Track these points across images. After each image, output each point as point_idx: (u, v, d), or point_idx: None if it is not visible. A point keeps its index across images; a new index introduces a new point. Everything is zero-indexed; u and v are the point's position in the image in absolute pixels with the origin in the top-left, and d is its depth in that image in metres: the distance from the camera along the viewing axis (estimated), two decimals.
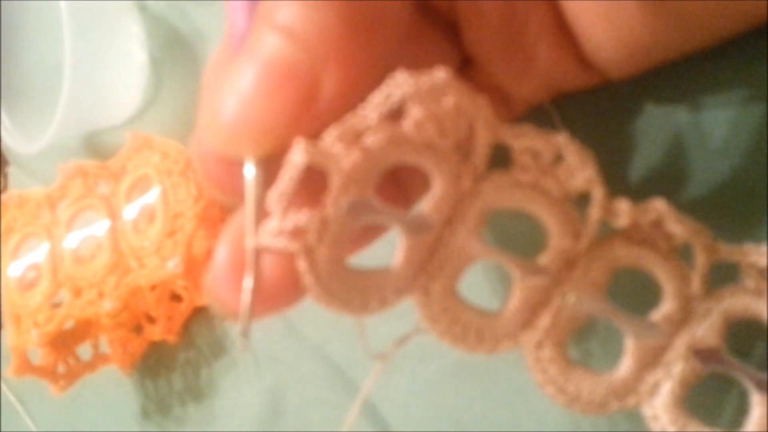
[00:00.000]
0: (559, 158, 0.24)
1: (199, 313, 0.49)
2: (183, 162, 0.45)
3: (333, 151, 0.22)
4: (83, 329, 0.49)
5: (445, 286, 0.25)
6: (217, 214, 0.46)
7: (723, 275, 0.25)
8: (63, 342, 0.49)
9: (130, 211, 0.47)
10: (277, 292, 0.24)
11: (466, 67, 0.29)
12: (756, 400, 0.25)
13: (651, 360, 0.25)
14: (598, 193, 0.24)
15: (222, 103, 0.23)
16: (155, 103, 0.51)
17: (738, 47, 0.27)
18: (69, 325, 0.48)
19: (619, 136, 0.31)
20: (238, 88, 0.22)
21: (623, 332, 0.25)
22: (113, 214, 0.47)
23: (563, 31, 0.27)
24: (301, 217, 0.23)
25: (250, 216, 0.23)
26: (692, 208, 0.27)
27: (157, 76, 0.51)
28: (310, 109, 0.22)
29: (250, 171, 0.23)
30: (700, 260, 0.25)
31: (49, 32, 0.51)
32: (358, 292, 0.24)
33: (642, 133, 0.30)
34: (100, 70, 0.48)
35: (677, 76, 0.29)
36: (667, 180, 0.30)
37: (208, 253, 0.45)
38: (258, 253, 0.24)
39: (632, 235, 0.25)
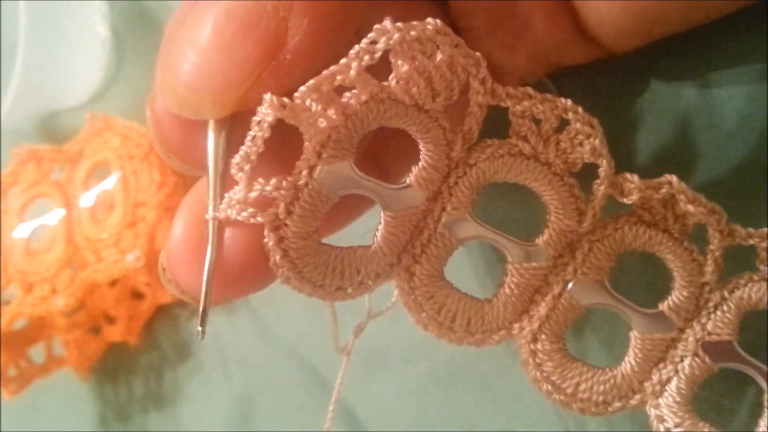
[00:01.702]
0: (561, 126, 0.23)
1: (163, 312, 0.48)
2: (146, 146, 0.44)
3: (308, 107, 0.21)
4: (36, 329, 0.49)
5: (430, 269, 0.23)
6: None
7: (737, 262, 0.24)
8: (13, 342, 0.48)
9: (86, 199, 0.45)
10: (242, 271, 0.23)
11: None
12: None
13: (658, 355, 0.24)
14: (605, 166, 0.23)
15: (178, 57, 0.21)
16: (117, 82, 0.50)
17: (748, 17, 0.26)
18: (20, 324, 0.47)
19: (622, 115, 0.30)
20: (195, 38, 0.21)
21: (628, 323, 0.24)
22: (68, 203, 0.46)
23: (561, 0, 0.26)
24: (269, 185, 0.21)
25: (212, 184, 0.22)
26: (702, 193, 0.26)
27: (120, 53, 0.50)
28: (277, 60, 0.21)
29: (210, 134, 0.22)
30: (715, 244, 0.23)
31: (0, 4, 0.49)
32: (332, 274, 0.23)
33: (647, 111, 0.29)
34: (58, 45, 0.46)
35: (683, 48, 0.28)
36: (674, 162, 0.29)
37: None
38: (220, 225, 0.22)
39: (641, 215, 0.24)
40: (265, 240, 0.22)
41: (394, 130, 0.23)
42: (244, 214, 0.21)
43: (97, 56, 0.48)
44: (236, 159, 0.21)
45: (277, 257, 0.22)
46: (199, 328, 0.22)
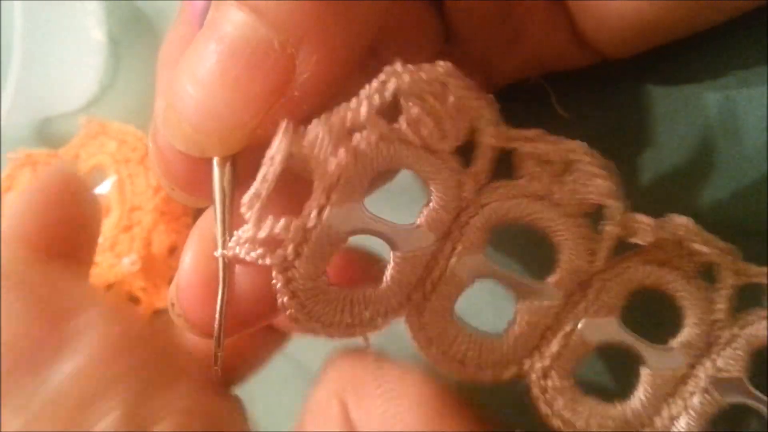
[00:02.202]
0: (571, 166, 0.23)
1: (159, 316, 0.47)
2: (142, 149, 0.44)
3: (321, 143, 0.20)
4: None
5: (440, 306, 0.23)
6: (179, 207, 0.44)
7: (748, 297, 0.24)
8: None
9: None
10: (253, 309, 0.22)
11: (450, 40, 0.27)
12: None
13: (668, 391, 0.24)
14: (615, 207, 0.23)
15: (181, 93, 0.20)
16: (113, 87, 0.50)
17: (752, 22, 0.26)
18: None
19: (633, 123, 0.29)
20: (199, 74, 0.20)
21: (639, 359, 0.24)
22: None
23: (557, 4, 0.26)
24: (278, 225, 0.21)
25: (219, 220, 0.21)
26: (710, 203, 0.27)
27: (116, 57, 0.50)
28: (284, 98, 0.20)
29: (215, 169, 0.21)
30: (727, 283, 0.23)
31: None
32: (341, 314, 0.22)
33: (663, 117, 0.29)
34: (53, 50, 0.46)
35: (702, 51, 0.28)
36: (691, 172, 0.28)
37: (169, 250, 0.44)
38: (229, 263, 0.22)
39: (653, 254, 0.24)
40: (273, 282, 0.21)
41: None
42: (252, 254, 0.21)
43: (93, 61, 0.48)
44: (246, 198, 0.20)
45: (285, 298, 0.21)
46: (215, 368, 0.22)
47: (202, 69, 0.20)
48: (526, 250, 0.28)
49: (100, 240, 0.43)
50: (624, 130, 0.29)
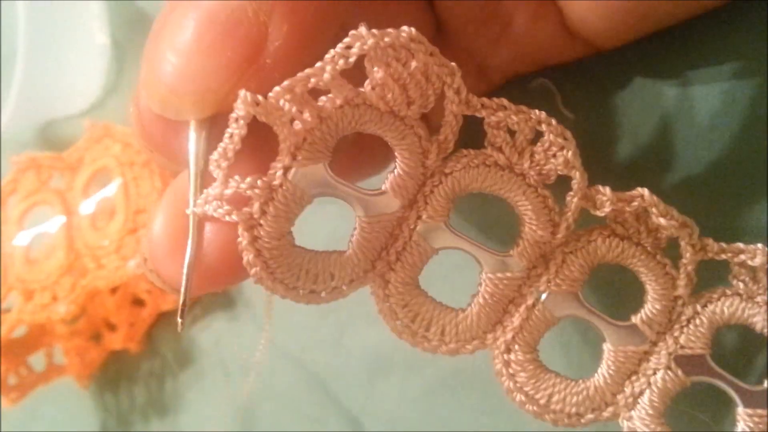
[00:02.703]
0: (536, 137, 0.23)
1: (164, 319, 0.48)
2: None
3: (282, 107, 0.21)
4: (36, 337, 0.49)
5: (404, 276, 0.24)
6: None
7: (712, 273, 0.24)
8: (14, 351, 0.48)
9: (87, 206, 0.45)
10: (221, 266, 0.23)
11: (438, 33, 0.28)
12: (742, 414, 0.24)
13: (630, 367, 0.24)
14: (578, 178, 0.23)
15: (159, 58, 0.21)
16: (117, 89, 0.50)
17: (732, 15, 0.26)
18: (20, 332, 0.47)
19: (607, 109, 0.30)
20: (176, 41, 0.21)
21: (601, 336, 0.24)
22: (68, 210, 0.46)
23: None
24: (245, 182, 0.21)
25: (192, 180, 0.22)
26: (684, 187, 0.27)
27: (119, 60, 0.50)
28: (257, 64, 0.21)
29: (192, 131, 0.22)
30: (687, 258, 0.24)
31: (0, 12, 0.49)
32: (305, 277, 0.23)
33: (629, 107, 0.29)
34: (57, 53, 0.46)
35: (667, 45, 0.28)
36: (653, 159, 0.29)
37: None
38: (199, 220, 0.22)
39: (614, 228, 0.24)
40: (239, 239, 0.22)
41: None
42: (220, 210, 0.21)
43: (97, 64, 0.48)
44: (214, 156, 0.21)
45: (250, 256, 0.22)
46: (179, 320, 0.23)
47: (179, 35, 0.21)
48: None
49: (105, 243, 0.43)
50: (627, 129, 0.29)
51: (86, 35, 0.47)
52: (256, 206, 0.21)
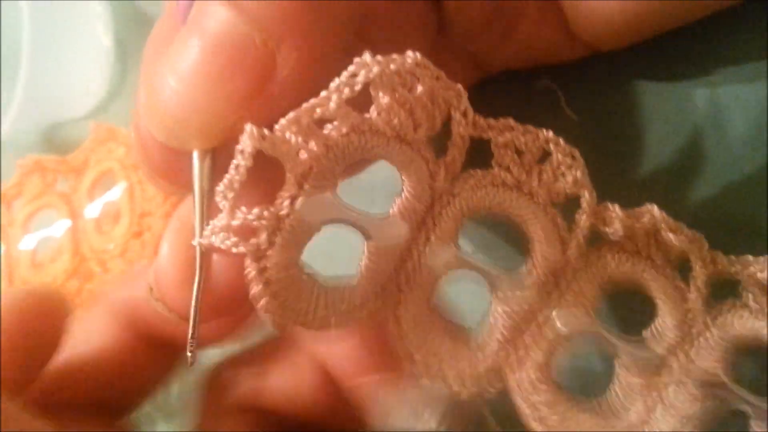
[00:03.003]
0: (544, 157, 0.23)
1: None
2: None
3: (288, 140, 0.21)
4: None
5: (415, 298, 0.23)
6: None
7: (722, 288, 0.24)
8: None
9: (92, 210, 0.45)
10: (229, 297, 0.23)
11: (443, 31, 0.28)
12: (754, 427, 0.23)
13: (643, 383, 0.24)
14: (587, 197, 0.23)
15: (163, 86, 0.21)
16: (121, 92, 0.50)
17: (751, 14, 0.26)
18: None
19: (611, 111, 0.30)
20: (181, 67, 0.21)
21: (613, 354, 0.24)
22: (74, 213, 0.45)
23: (548, 1, 0.26)
24: (252, 213, 0.21)
25: (198, 210, 0.22)
26: (706, 203, 0.27)
27: (123, 62, 0.49)
28: (264, 94, 0.21)
29: (195, 159, 0.22)
30: (698, 273, 0.23)
31: (4, 14, 0.49)
32: (315, 304, 0.22)
33: (654, 112, 0.29)
34: (61, 56, 0.47)
35: (692, 46, 0.28)
36: (679, 167, 0.29)
37: None
38: (206, 251, 0.22)
39: (624, 245, 0.24)
40: (247, 270, 0.21)
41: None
42: (227, 242, 0.21)
43: (101, 66, 0.48)
44: (220, 187, 0.21)
45: (259, 288, 0.21)
46: (189, 354, 0.22)
47: (184, 63, 0.20)
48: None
49: (111, 246, 0.43)
50: (631, 131, 0.29)
51: (90, 37, 0.47)
52: (263, 237, 0.21)
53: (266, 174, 0.21)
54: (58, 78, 0.46)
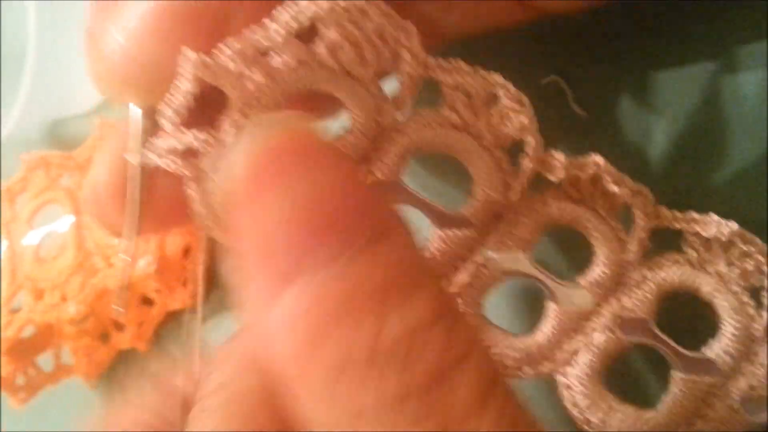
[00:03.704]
0: (493, 100, 0.23)
1: (173, 318, 0.48)
2: None
3: (231, 68, 0.20)
4: (44, 337, 0.48)
5: None
6: None
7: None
8: (22, 350, 0.47)
9: None
10: (168, 214, 0.23)
11: None
12: (676, 378, 0.23)
13: (572, 327, 0.24)
14: (531, 142, 0.23)
15: (109, 40, 0.21)
16: None
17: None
18: (28, 332, 0.47)
19: (620, 107, 0.30)
20: (129, 24, 0.20)
21: (546, 294, 0.24)
22: (78, 209, 0.46)
23: None
24: (195, 137, 0.21)
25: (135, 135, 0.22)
26: (716, 196, 0.27)
27: None
28: (214, 48, 0.20)
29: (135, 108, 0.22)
30: (639, 224, 0.24)
31: (9, 10, 0.49)
32: None
33: (645, 104, 0.29)
34: (67, 52, 0.46)
35: (696, 39, 0.28)
36: (672, 157, 0.29)
37: (183, 252, 0.44)
38: (143, 170, 0.22)
39: (569, 193, 0.24)
40: (189, 192, 0.21)
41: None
42: (169, 163, 0.21)
43: None
44: (165, 111, 0.21)
45: (199, 211, 0.21)
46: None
47: (132, 19, 0.20)
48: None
49: (115, 242, 0.43)
50: (640, 128, 0.29)
51: None
52: (205, 162, 0.21)
53: (207, 102, 0.21)
54: (62, 74, 0.46)
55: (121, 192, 0.22)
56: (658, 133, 0.29)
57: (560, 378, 0.24)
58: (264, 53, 0.21)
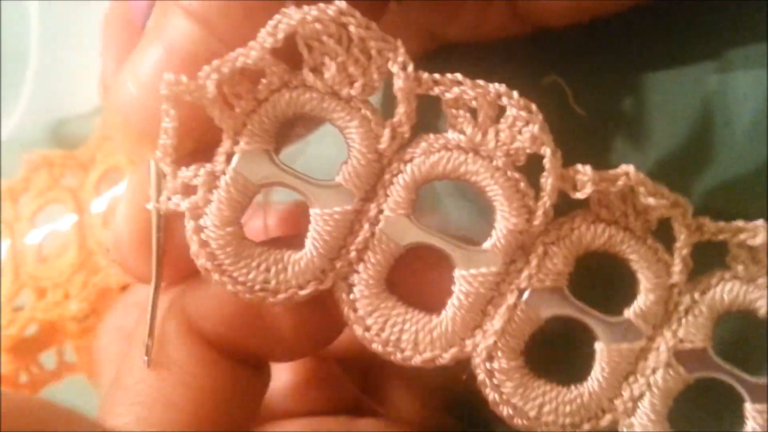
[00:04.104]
0: (498, 112, 0.21)
1: None
2: None
3: (207, 87, 0.20)
4: (47, 335, 0.48)
5: (369, 277, 0.21)
6: None
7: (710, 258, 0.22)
8: (25, 348, 0.47)
9: (98, 205, 0.45)
10: (189, 260, 0.22)
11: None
12: (750, 410, 0.21)
13: (627, 368, 0.22)
14: (549, 155, 0.20)
15: (123, 89, 0.21)
16: None
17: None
18: (31, 330, 0.47)
19: (621, 107, 0.29)
20: (141, 73, 0.21)
21: (592, 334, 0.22)
22: (80, 208, 0.45)
23: None
24: (189, 171, 0.21)
25: (153, 176, 0.21)
26: (714, 198, 0.26)
27: None
28: None
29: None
30: (682, 240, 0.21)
31: (12, 10, 0.49)
32: (256, 271, 0.21)
33: (645, 103, 0.28)
34: (69, 51, 0.47)
35: (696, 40, 0.27)
36: (689, 164, 0.28)
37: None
38: (162, 217, 0.22)
39: (599, 213, 0.21)
40: (186, 228, 0.21)
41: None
42: (172, 203, 0.21)
43: None
44: (158, 150, 0.21)
45: (196, 247, 0.21)
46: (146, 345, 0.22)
47: (144, 69, 0.20)
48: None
49: None
50: (641, 127, 0.29)
51: (96, 33, 0.47)
52: (200, 194, 0.21)
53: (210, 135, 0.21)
54: (65, 74, 0.46)
55: (144, 241, 0.22)
56: (657, 133, 0.28)
57: (625, 430, 0.22)
58: (252, 79, 0.20)
